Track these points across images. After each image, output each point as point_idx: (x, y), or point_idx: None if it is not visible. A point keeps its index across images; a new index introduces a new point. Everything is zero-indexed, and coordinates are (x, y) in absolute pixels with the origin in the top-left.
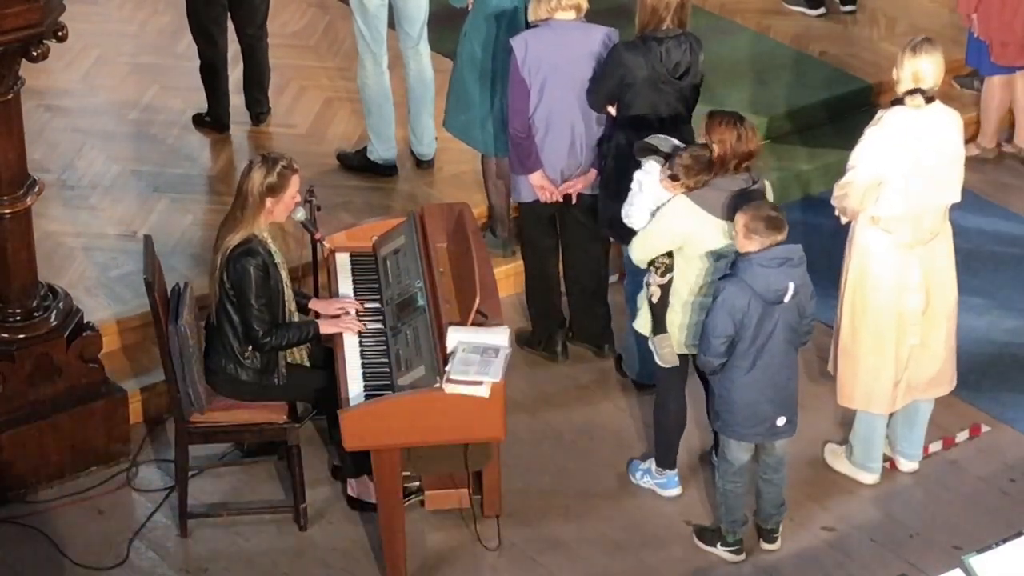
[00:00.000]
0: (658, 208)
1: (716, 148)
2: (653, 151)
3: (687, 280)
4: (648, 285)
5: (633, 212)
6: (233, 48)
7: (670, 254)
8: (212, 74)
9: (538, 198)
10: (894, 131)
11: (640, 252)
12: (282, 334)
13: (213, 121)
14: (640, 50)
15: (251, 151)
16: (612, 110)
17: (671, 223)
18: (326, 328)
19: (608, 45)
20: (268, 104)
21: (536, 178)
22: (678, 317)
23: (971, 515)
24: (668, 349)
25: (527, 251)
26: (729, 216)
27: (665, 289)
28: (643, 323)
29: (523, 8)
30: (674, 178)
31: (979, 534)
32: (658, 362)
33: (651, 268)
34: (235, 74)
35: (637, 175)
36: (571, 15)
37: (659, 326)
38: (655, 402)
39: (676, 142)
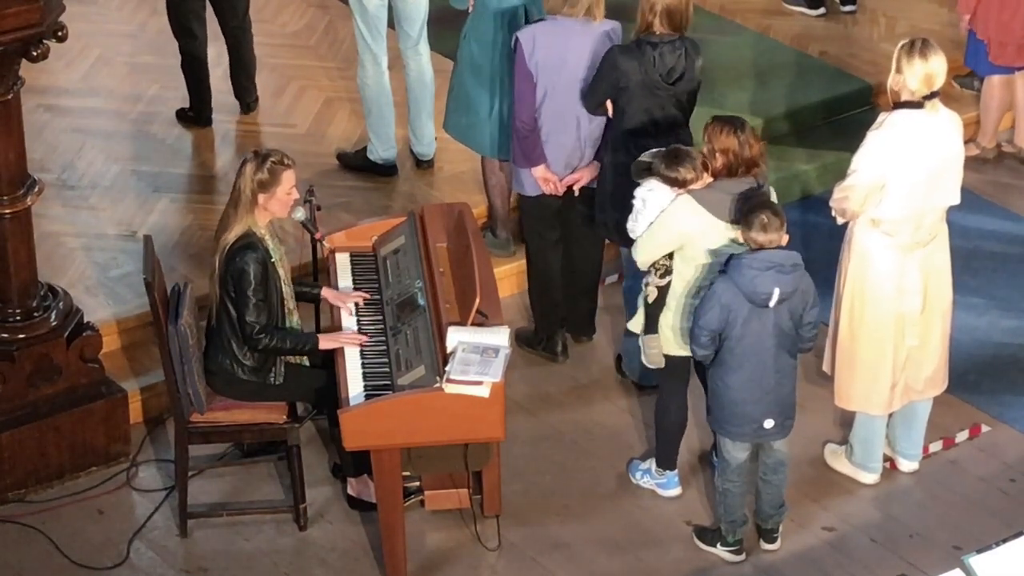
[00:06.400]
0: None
1: (719, 157)
2: (649, 169)
3: (685, 281)
4: (646, 286)
5: (639, 228)
6: (218, 45)
7: (670, 256)
8: (194, 68)
9: (543, 192)
10: (897, 134)
11: (645, 254)
12: (281, 338)
13: (196, 115)
14: (634, 54)
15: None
16: (610, 108)
17: (675, 223)
18: (326, 344)
19: (612, 39)
20: (256, 92)
21: (540, 171)
22: (674, 319)
23: (971, 515)
24: (656, 350)
25: (530, 246)
26: (732, 218)
27: (663, 291)
28: (637, 323)
29: (523, 9)
30: (684, 184)
31: (979, 534)
32: (644, 362)
33: (651, 269)
34: (221, 68)
35: (640, 192)
36: (580, 11)
37: (651, 326)
38: (657, 402)
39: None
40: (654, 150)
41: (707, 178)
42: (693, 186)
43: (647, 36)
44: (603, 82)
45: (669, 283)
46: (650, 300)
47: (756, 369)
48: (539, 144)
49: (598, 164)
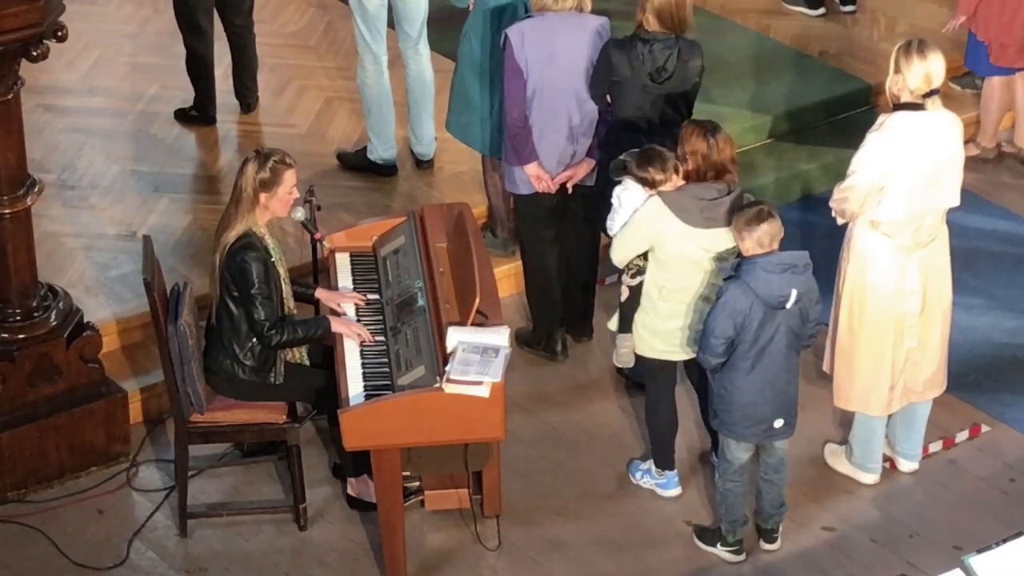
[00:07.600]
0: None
1: (689, 160)
2: (625, 168)
3: (655, 282)
4: (620, 284)
5: (615, 227)
6: (219, 44)
7: (645, 256)
8: (200, 65)
9: (536, 190)
10: (897, 136)
11: (619, 253)
12: (292, 329)
13: (200, 114)
14: (625, 48)
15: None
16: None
17: (644, 223)
18: (337, 327)
19: (602, 35)
20: (257, 91)
21: (532, 168)
22: (649, 319)
23: (971, 515)
24: (626, 349)
25: (527, 245)
26: (704, 223)
27: (635, 290)
28: (615, 322)
29: (523, 6)
30: (653, 184)
31: (979, 534)
32: (614, 360)
33: (624, 269)
34: (221, 68)
35: (617, 191)
36: (569, 4)
37: (625, 326)
38: (646, 405)
39: None
40: (633, 149)
41: (677, 180)
42: (663, 187)
43: (640, 32)
44: (600, 74)
45: (640, 283)
46: (622, 299)
47: (769, 370)
48: (530, 141)
49: (592, 161)
